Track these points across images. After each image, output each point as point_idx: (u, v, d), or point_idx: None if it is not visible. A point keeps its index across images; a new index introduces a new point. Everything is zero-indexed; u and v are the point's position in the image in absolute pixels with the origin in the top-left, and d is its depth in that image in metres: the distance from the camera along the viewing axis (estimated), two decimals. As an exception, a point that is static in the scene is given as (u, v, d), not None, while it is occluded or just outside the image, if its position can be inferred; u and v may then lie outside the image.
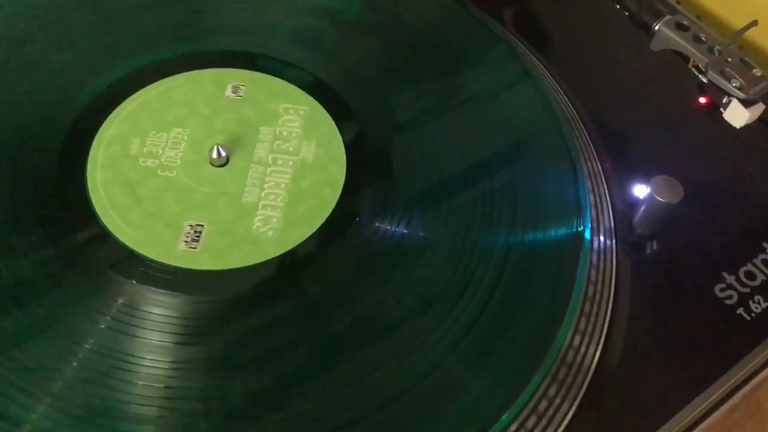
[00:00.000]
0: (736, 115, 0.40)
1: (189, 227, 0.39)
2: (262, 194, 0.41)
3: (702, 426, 0.38)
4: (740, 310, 0.40)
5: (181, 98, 0.44)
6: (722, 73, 0.39)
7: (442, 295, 0.37)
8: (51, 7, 0.47)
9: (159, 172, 0.41)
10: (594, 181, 0.43)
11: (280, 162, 0.42)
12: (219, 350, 0.36)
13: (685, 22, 0.42)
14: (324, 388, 0.34)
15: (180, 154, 0.42)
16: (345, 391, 0.34)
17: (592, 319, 0.38)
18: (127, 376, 0.34)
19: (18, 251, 0.37)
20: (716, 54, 0.40)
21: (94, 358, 0.34)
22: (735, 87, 0.39)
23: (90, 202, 0.39)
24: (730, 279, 0.41)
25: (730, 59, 0.39)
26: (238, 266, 0.38)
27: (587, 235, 0.39)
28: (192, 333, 0.36)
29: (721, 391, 0.38)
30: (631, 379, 0.38)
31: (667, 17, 0.43)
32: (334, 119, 0.44)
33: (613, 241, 0.41)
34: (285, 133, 0.43)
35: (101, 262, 0.37)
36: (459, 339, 0.36)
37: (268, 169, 0.41)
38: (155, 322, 0.36)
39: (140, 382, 0.34)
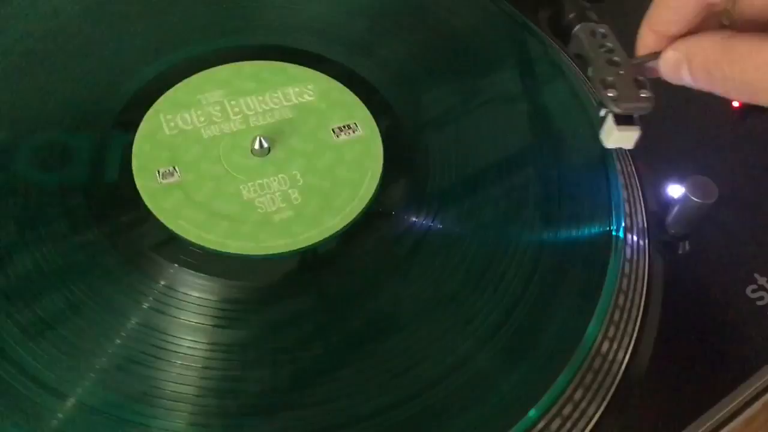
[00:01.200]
0: (608, 131, 0.33)
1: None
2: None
3: (730, 426, 0.38)
4: (772, 312, 0.40)
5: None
6: (602, 81, 0.33)
7: (473, 292, 0.38)
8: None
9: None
10: (627, 180, 0.43)
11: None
12: (257, 335, 0.36)
13: (602, 30, 0.37)
14: (357, 378, 0.35)
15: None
16: (374, 383, 0.35)
17: (624, 317, 0.39)
18: (166, 355, 0.35)
19: (64, 233, 0.38)
20: (613, 65, 0.35)
21: (135, 337, 0.35)
22: (610, 96, 0.32)
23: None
24: (762, 280, 0.41)
25: (621, 72, 0.35)
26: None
27: (621, 234, 0.39)
28: (231, 317, 0.36)
29: (749, 392, 0.38)
30: (660, 378, 0.38)
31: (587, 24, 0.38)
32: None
33: (646, 240, 0.42)
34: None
35: (144, 244, 0.38)
36: (488, 336, 0.36)
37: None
38: (194, 304, 0.36)
39: (179, 362, 0.35)
